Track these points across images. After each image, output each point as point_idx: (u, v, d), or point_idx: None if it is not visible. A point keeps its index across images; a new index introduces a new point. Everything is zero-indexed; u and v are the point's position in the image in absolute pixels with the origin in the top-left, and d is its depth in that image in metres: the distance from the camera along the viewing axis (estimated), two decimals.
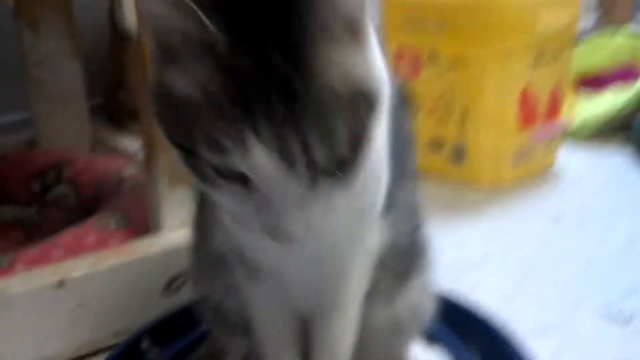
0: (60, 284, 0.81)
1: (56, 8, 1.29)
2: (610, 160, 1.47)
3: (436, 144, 1.38)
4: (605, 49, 1.75)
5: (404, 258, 0.65)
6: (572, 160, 1.46)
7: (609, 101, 1.59)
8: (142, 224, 0.95)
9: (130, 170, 1.14)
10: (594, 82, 1.73)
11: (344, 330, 0.62)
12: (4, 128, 1.52)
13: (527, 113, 1.32)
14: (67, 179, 1.19)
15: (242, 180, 0.43)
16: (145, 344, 0.78)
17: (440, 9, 1.30)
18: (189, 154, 0.44)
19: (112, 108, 1.52)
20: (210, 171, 0.44)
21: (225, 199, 0.46)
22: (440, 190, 1.34)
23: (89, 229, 0.94)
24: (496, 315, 0.82)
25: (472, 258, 1.07)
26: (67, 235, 0.92)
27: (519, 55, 1.27)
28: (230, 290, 0.65)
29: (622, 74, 1.70)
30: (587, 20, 2.17)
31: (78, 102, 1.35)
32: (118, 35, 1.40)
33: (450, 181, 1.36)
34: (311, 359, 0.63)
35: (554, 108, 1.38)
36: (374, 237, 0.58)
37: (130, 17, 0.83)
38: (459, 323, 0.79)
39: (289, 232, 0.45)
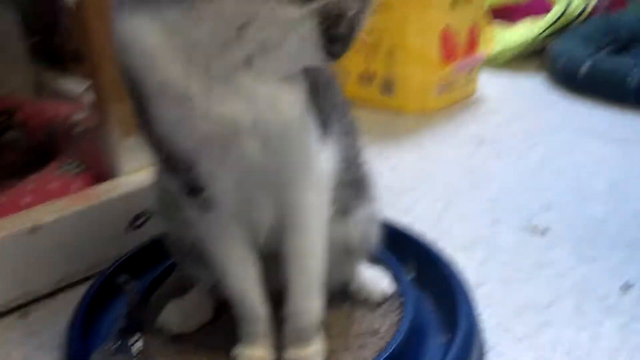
0: (34, 230, 0.88)
1: None
2: (526, 85, 1.60)
3: (367, 78, 1.48)
4: None
5: (353, 180, 0.71)
6: (491, 87, 1.59)
7: (524, 30, 1.71)
8: (99, 169, 1.02)
9: (79, 115, 1.19)
10: (508, 12, 1.85)
11: (315, 242, 0.67)
12: None
13: (448, 49, 1.43)
14: (18, 124, 1.23)
15: None
16: (120, 278, 0.86)
17: None
18: None
19: (51, 49, 1.53)
20: None
21: None
22: (372, 119, 1.44)
23: (51, 176, 1.01)
24: (427, 234, 0.93)
25: (404, 183, 1.19)
26: (32, 183, 0.99)
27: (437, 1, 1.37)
28: (187, 226, 0.68)
29: (534, 5, 1.82)
30: None
31: (16, 47, 1.37)
32: None
33: (381, 111, 1.47)
34: (287, 286, 0.67)
35: (472, 43, 1.49)
36: (327, 153, 0.64)
37: None
38: (395, 243, 0.89)
39: None
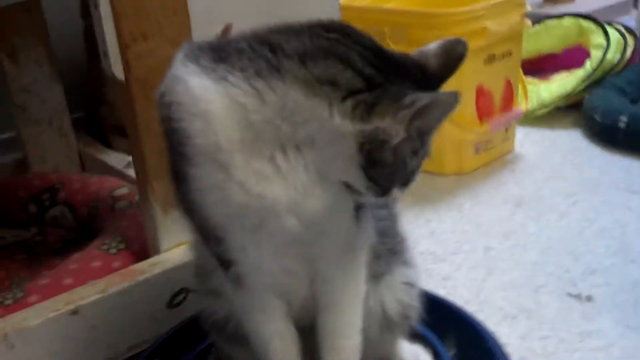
0: (74, 312, 0.90)
1: (33, 36, 1.35)
2: (564, 141, 1.58)
3: None
4: (554, 32, 1.85)
5: (388, 249, 0.72)
6: (528, 144, 1.57)
7: (560, 84, 1.69)
8: (140, 245, 1.04)
9: (122, 190, 1.22)
10: (543, 64, 1.84)
11: (351, 321, 0.68)
12: None
13: (484, 107, 1.43)
14: (62, 200, 1.26)
15: None
16: None
17: (396, 21, 1.39)
18: None
19: (95, 122, 1.59)
20: None
21: None
22: None
23: (92, 254, 1.03)
24: (468, 305, 0.92)
25: (443, 248, 1.18)
26: (74, 263, 1.01)
27: (471, 58, 1.36)
28: (223, 300, 0.70)
29: (571, 55, 1.81)
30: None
31: (63, 122, 1.42)
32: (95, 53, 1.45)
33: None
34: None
35: (508, 99, 1.48)
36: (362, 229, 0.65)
37: (116, 64, 0.90)
38: (435, 316, 0.88)
39: None
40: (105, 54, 0.91)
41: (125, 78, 0.91)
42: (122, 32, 0.89)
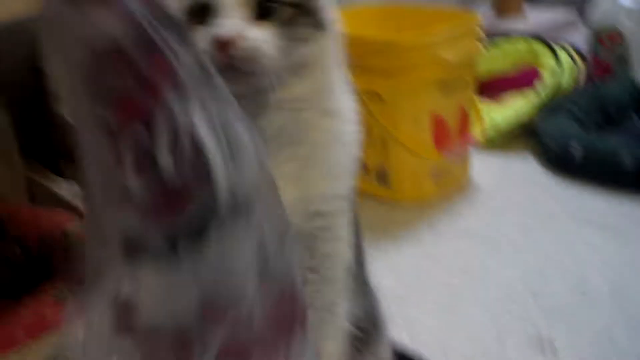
0: None
1: None
2: (519, 168, 1.60)
3: (363, 168, 1.47)
4: (507, 53, 1.87)
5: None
6: (484, 171, 1.58)
7: (513, 108, 1.71)
8: None
9: (73, 225, 1.17)
10: (497, 85, 1.86)
11: None
12: None
13: (440, 134, 1.43)
14: (12, 235, 1.20)
15: None
16: None
17: (354, 51, 1.37)
18: None
19: (43, 148, 1.52)
20: None
21: None
22: (371, 210, 1.43)
23: (45, 303, 0.98)
24: (433, 354, 0.92)
25: (405, 286, 1.17)
26: (27, 315, 0.96)
27: (426, 88, 1.38)
28: None
29: (522, 78, 1.84)
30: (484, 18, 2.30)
31: (9, 151, 1.35)
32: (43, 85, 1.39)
33: (379, 201, 1.46)
34: None
35: (463, 126, 1.49)
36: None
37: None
38: None
39: None
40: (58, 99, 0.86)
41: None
42: None
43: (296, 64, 0.63)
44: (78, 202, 1.28)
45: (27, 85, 1.50)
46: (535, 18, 2.39)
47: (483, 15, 2.47)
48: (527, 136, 1.69)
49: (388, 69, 1.35)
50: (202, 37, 0.59)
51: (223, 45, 0.58)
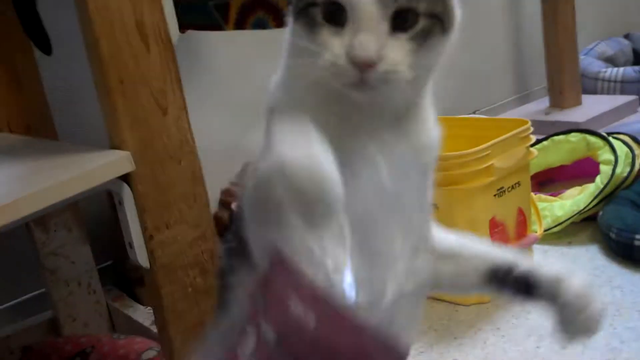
0: None
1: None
2: (581, 260, 1.59)
3: None
4: (562, 147, 1.90)
5: None
6: (547, 264, 1.57)
7: (572, 201, 1.72)
8: None
9: (150, 353, 1.25)
10: (554, 174, 1.88)
11: None
12: (22, 309, 1.62)
13: (498, 238, 1.46)
14: None
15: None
16: None
17: None
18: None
19: (121, 273, 1.64)
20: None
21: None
22: (433, 312, 1.45)
23: None
24: None
25: None
26: None
27: (481, 193, 1.42)
28: None
29: (581, 165, 1.86)
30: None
31: (91, 281, 1.47)
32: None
33: (440, 301, 1.49)
34: None
35: (521, 227, 1.52)
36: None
37: (141, 255, 0.96)
38: None
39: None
40: (131, 245, 0.96)
41: (150, 265, 0.96)
42: (146, 224, 0.95)
43: (424, 75, 0.63)
44: (153, 328, 1.36)
45: (106, 212, 1.64)
46: (593, 107, 2.41)
47: (540, 107, 2.54)
48: (589, 225, 1.69)
49: (444, 178, 1.40)
50: (337, 43, 0.58)
51: (361, 66, 0.57)
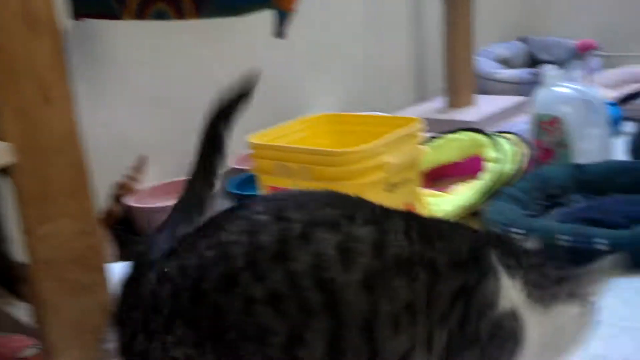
0: None
1: None
2: None
3: None
4: (453, 145, 1.98)
5: None
6: None
7: (459, 196, 1.80)
8: None
9: (30, 350, 1.21)
10: (443, 175, 1.96)
11: None
12: None
13: None
14: None
15: None
16: None
17: (301, 159, 1.47)
18: None
19: (2, 268, 1.58)
20: None
21: None
22: None
23: None
24: None
25: None
26: None
27: (372, 189, 1.46)
28: None
29: (468, 165, 1.94)
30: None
31: None
32: None
33: None
34: None
35: None
36: None
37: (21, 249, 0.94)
38: None
39: None
40: (11, 239, 0.94)
41: (30, 260, 0.95)
42: (27, 217, 0.93)
43: None
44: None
45: None
46: (486, 107, 2.52)
47: (437, 105, 2.63)
48: (476, 222, 1.76)
49: (336, 173, 1.43)
50: None
51: None
